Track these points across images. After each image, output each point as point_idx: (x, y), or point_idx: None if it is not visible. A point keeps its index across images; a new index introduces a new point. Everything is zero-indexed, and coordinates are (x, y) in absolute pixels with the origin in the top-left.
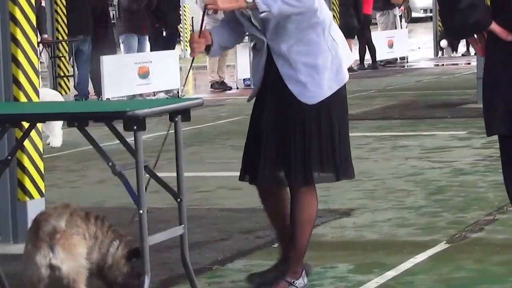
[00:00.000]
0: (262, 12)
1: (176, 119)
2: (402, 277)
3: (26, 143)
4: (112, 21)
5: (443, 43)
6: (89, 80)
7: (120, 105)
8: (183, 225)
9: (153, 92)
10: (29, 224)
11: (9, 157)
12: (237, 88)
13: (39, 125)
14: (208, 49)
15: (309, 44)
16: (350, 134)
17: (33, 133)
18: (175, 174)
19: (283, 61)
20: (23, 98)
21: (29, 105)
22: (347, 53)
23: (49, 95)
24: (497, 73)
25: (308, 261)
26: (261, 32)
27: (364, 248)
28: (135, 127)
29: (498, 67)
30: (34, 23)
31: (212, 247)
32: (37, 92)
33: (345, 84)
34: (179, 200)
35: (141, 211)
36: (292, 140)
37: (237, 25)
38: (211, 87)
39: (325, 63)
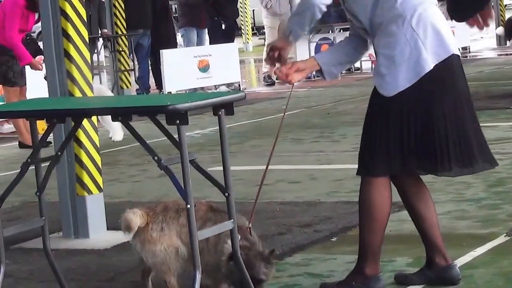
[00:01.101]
0: (292, 34)
1: (220, 112)
2: (461, 271)
3: (83, 138)
4: (175, 15)
5: (499, 30)
6: (150, 74)
7: (161, 99)
8: (232, 220)
9: (214, 86)
10: (89, 219)
11: (59, 153)
12: (298, 80)
13: (94, 119)
14: (320, 73)
15: (390, 35)
16: None
17: (89, 128)
18: (237, 168)
19: (376, 55)
20: (77, 93)
21: (74, 101)
22: (440, 44)
23: (98, 89)
24: None
25: None
26: (365, 31)
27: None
28: (178, 121)
29: None
30: (85, 17)
31: (271, 241)
32: (91, 87)
33: (433, 74)
34: (226, 194)
35: (188, 206)
36: (364, 127)
37: (358, 35)
38: (263, 80)
39: (403, 55)
